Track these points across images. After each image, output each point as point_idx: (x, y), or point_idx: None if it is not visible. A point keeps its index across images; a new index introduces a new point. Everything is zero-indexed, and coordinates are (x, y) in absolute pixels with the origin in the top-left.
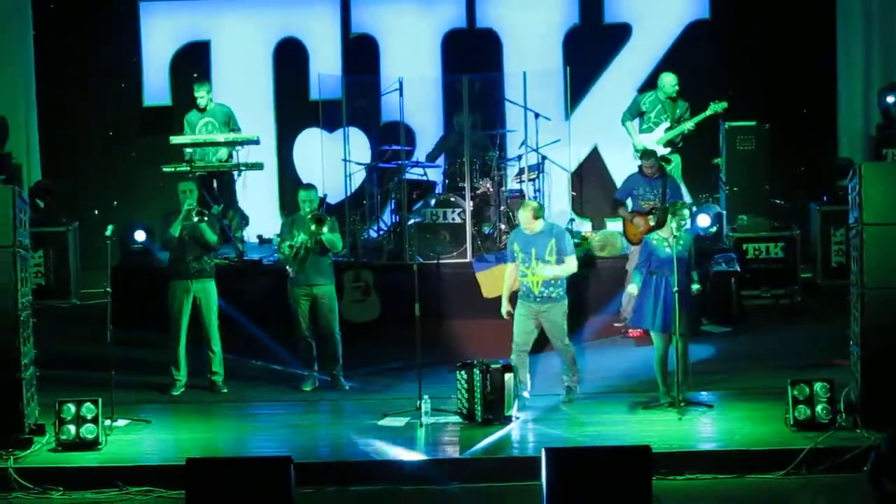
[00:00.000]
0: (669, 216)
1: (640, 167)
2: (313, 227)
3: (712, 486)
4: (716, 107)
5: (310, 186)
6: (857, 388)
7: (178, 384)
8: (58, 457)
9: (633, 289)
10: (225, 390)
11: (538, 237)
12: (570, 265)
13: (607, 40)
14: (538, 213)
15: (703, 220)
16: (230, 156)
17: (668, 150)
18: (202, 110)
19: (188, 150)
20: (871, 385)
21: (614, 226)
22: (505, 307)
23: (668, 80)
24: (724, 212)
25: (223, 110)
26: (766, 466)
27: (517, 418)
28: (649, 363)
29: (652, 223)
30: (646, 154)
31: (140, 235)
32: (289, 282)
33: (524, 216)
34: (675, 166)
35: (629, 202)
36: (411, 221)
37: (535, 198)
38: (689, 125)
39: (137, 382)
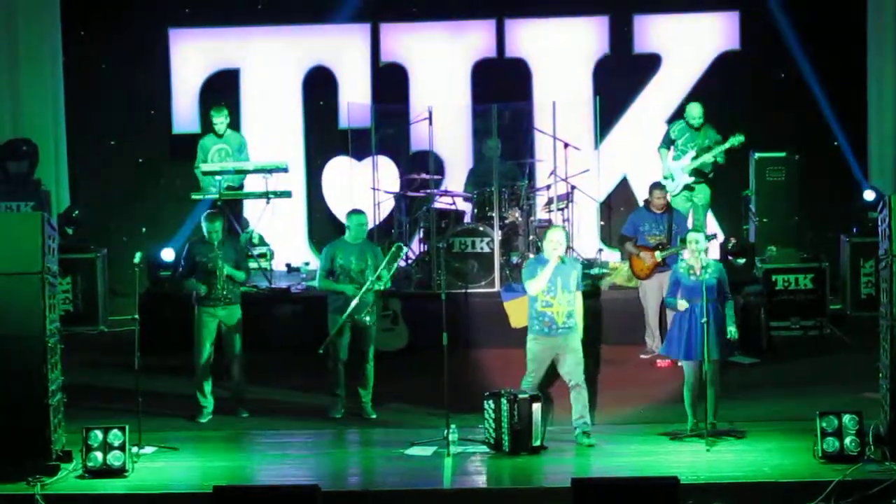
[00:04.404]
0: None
1: (646, 202)
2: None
3: None
4: (733, 140)
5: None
6: (886, 420)
7: (204, 411)
8: (85, 484)
9: (682, 304)
10: (245, 415)
11: (564, 266)
12: (581, 301)
13: (637, 70)
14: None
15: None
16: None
17: (693, 179)
18: (219, 136)
19: (214, 178)
20: None
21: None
22: None
23: (692, 111)
24: (754, 241)
25: (238, 139)
26: (795, 498)
27: (545, 448)
28: (676, 393)
29: (659, 258)
30: (655, 185)
31: (168, 254)
32: (331, 307)
33: (558, 239)
34: (702, 196)
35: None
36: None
37: (564, 228)
38: (709, 157)
39: (165, 409)
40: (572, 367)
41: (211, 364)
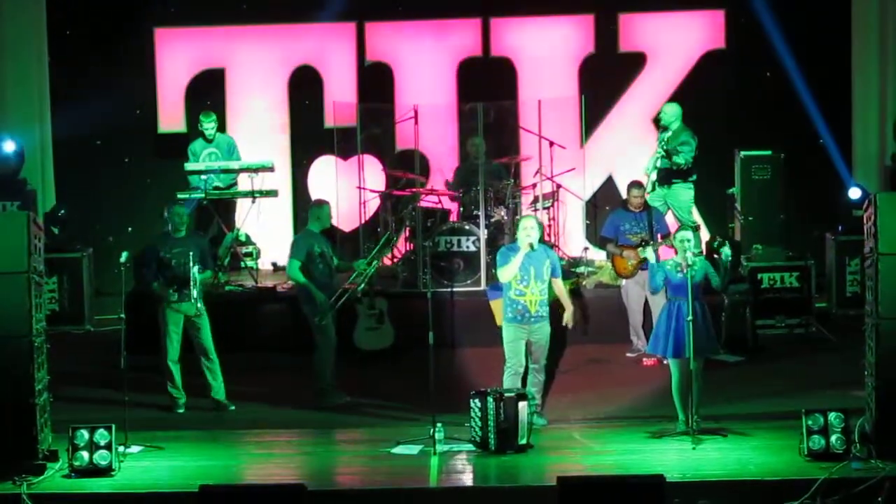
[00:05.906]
0: (674, 242)
1: (624, 201)
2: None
3: None
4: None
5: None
6: (872, 418)
7: (179, 402)
8: (71, 483)
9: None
10: (232, 408)
11: (536, 255)
12: (562, 286)
13: (623, 69)
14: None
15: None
16: (234, 183)
17: (655, 177)
18: (209, 140)
19: (200, 177)
20: (885, 415)
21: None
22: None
23: (663, 109)
24: (739, 240)
25: (227, 141)
26: (780, 496)
27: (531, 447)
28: (663, 391)
29: (643, 255)
30: (632, 185)
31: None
32: (319, 296)
33: (530, 226)
34: (683, 197)
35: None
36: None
37: (550, 227)
38: (654, 161)
39: (151, 408)
40: (538, 353)
41: (178, 356)
